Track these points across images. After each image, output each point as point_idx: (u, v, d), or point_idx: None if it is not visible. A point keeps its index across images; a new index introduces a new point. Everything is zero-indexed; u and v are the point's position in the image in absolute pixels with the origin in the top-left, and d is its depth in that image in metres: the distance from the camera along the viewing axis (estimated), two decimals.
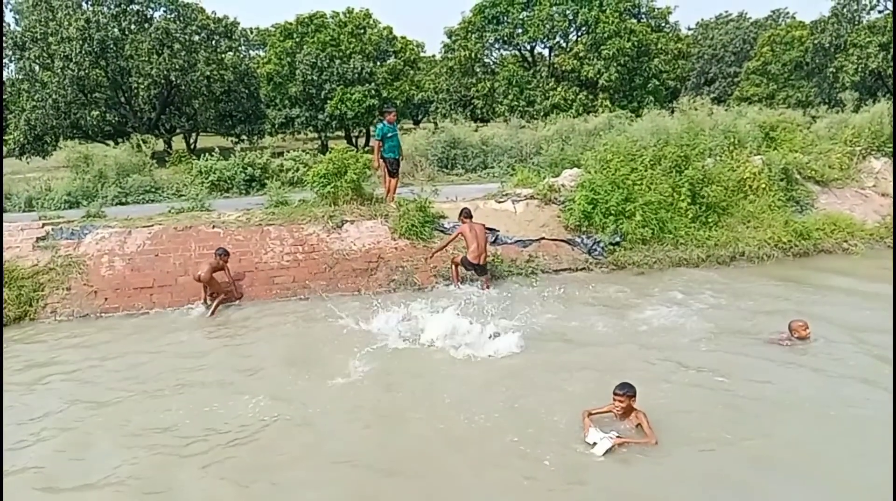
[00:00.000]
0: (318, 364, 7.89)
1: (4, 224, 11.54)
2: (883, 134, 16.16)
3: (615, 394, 5.91)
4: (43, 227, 11.64)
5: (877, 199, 14.73)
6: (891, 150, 16.02)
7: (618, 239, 12.25)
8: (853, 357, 7.68)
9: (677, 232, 12.41)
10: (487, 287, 10.89)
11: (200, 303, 10.49)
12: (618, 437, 5.69)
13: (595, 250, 12.24)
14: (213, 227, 11.86)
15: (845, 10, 37.94)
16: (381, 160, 13.12)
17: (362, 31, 35.16)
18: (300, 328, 9.43)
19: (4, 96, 32.86)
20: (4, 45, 30.48)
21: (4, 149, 33.02)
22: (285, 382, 7.47)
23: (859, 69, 35.31)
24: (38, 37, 29.91)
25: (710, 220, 12.80)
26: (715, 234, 12.54)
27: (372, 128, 37.53)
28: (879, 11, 37.63)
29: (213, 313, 10.29)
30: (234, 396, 7.13)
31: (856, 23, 37.64)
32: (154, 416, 6.76)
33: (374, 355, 8.02)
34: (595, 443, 5.62)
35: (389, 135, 12.92)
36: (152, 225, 11.85)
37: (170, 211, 12.97)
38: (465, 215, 11.12)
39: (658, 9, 35.36)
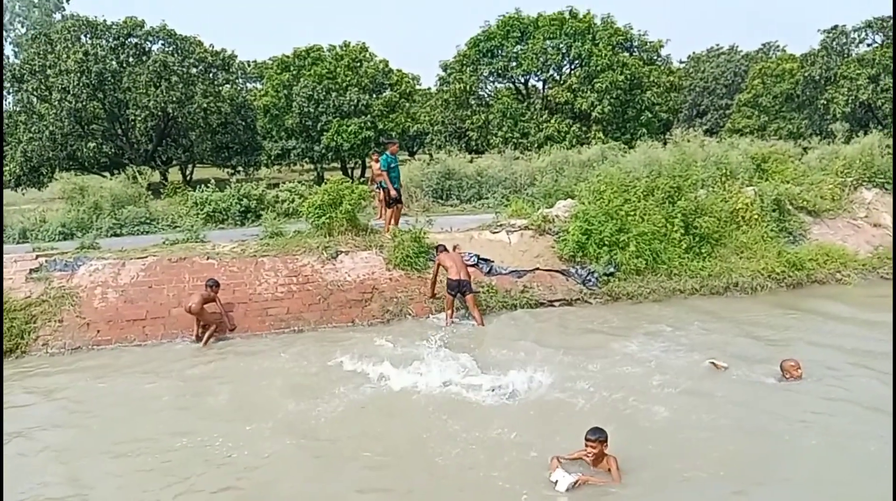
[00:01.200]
0: (301, 399, 7.80)
1: None
2: (873, 165, 16.30)
3: (587, 440, 5.83)
4: (36, 258, 11.62)
5: (869, 229, 14.82)
6: (882, 181, 16.16)
7: (612, 270, 12.28)
8: (842, 389, 7.66)
9: (671, 263, 12.45)
10: (481, 324, 10.87)
11: (191, 338, 10.44)
12: (581, 475, 5.67)
13: (589, 280, 12.25)
14: (208, 258, 11.85)
15: (834, 43, 38.51)
16: (381, 190, 13.61)
17: (359, 64, 35.45)
18: (287, 362, 9.30)
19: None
20: (3, 77, 30.66)
21: None
22: (266, 417, 7.38)
23: (850, 101, 35.72)
24: (37, 69, 30.11)
25: (703, 250, 12.84)
26: (708, 264, 12.58)
27: (367, 159, 37.77)
28: (868, 45, 38.28)
29: (205, 343, 10.26)
30: (214, 431, 7.05)
31: (845, 55, 38.21)
32: (140, 447, 6.73)
33: (360, 391, 7.98)
34: (557, 480, 5.62)
35: (392, 165, 13.14)
36: (146, 256, 11.83)
37: (164, 242, 12.96)
38: (442, 249, 11.60)
39: (650, 42, 35.83)
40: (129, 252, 12.12)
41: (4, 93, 31.92)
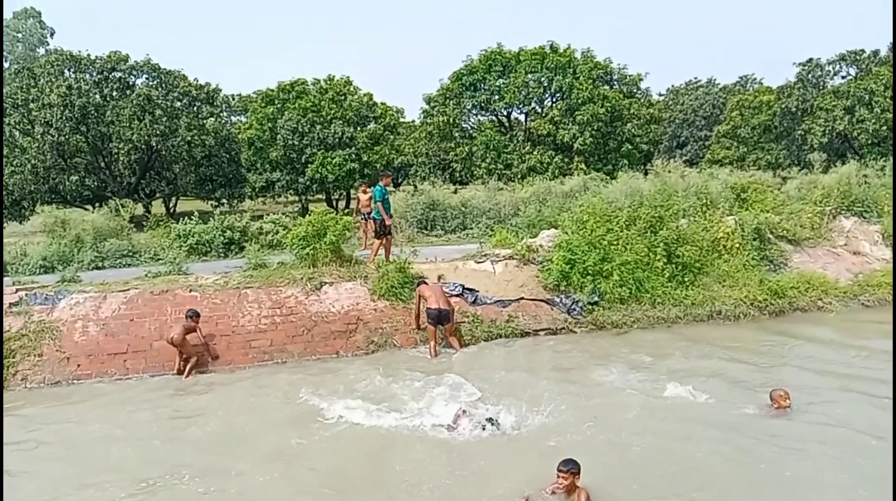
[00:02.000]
0: (277, 435, 7.71)
1: None
2: (851, 194, 16.57)
3: (559, 471, 5.77)
4: (17, 292, 11.48)
5: (848, 257, 14.98)
6: (860, 209, 16.41)
7: (596, 299, 12.31)
8: (831, 416, 7.69)
9: (654, 291, 12.49)
10: (458, 348, 10.96)
11: (173, 372, 10.31)
12: None
13: (574, 309, 12.28)
14: (190, 291, 11.76)
15: (810, 75, 39.50)
16: (366, 220, 14.59)
17: (343, 97, 35.75)
18: (267, 396, 9.14)
19: None
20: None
21: None
22: (242, 453, 7.30)
23: (826, 132, 36.47)
24: (20, 103, 30.11)
25: (686, 279, 12.92)
26: (691, 293, 12.64)
27: (354, 190, 38.02)
28: (842, 77, 39.28)
29: (187, 375, 10.15)
30: (188, 467, 6.96)
31: (820, 88, 39.13)
32: (112, 480, 6.64)
33: (336, 426, 7.87)
34: None
35: (386, 196, 13.53)
36: (128, 289, 11.72)
37: (146, 275, 12.86)
38: (421, 282, 11.73)
39: (630, 75, 36.48)
40: (110, 285, 12.00)
41: None
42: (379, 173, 15.07)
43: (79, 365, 10.40)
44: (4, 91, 30.93)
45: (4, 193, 29.76)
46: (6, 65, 44.64)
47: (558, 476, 5.77)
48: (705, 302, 12.48)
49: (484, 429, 7.44)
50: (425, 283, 11.67)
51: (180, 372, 10.26)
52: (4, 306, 11.05)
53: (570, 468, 5.74)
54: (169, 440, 7.85)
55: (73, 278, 12.77)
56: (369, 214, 16.06)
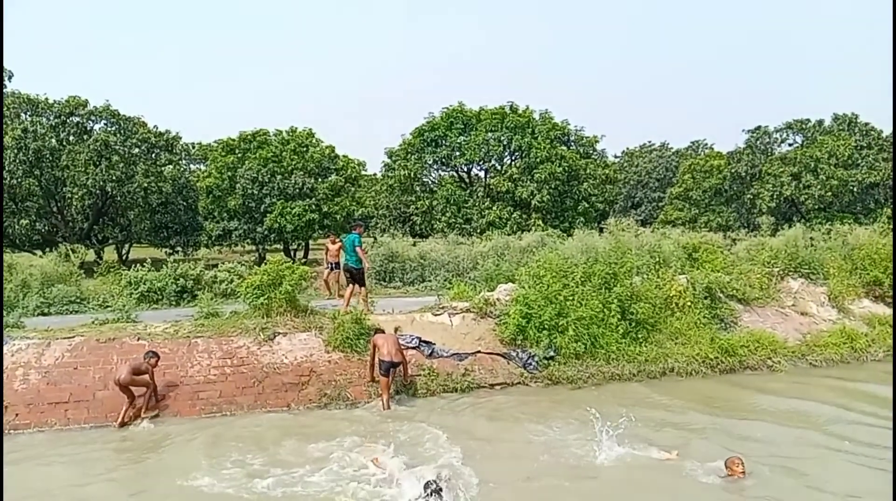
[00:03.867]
0: None
1: None
2: (798, 256, 17.10)
3: None
4: None
5: (796, 317, 15.36)
6: (806, 271, 16.92)
7: (552, 353, 12.34)
8: (781, 480, 7.76)
9: (609, 347, 12.58)
10: (386, 403, 10.72)
11: (115, 424, 9.86)
12: None
13: (530, 364, 12.27)
14: (139, 339, 11.45)
15: (758, 142, 41.20)
16: (333, 271, 15.67)
17: (305, 148, 35.83)
18: (201, 452, 8.68)
19: None
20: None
21: None
22: None
23: (774, 196, 37.84)
24: None
25: (639, 336, 13.07)
26: (645, 350, 12.78)
27: (311, 241, 37.83)
28: (789, 144, 41.07)
29: (135, 416, 9.84)
30: None
31: (768, 154, 40.78)
32: None
33: (269, 490, 7.51)
34: None
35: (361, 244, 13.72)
36: (73, 337, 11.37)
37: (93, 322, 12.49)
38: (376, 332, 11.71)
39: (586, 137, 37.55)
40: (55, 332, 11.62)
41: None
42: (351, 223, 15.25)
43: (17, 414, 9.95)
44: None
45: None
46: None
47: None
48: (658, 359, 12.62)
49: (431, 494, 7.21)
50: (382, 332, 11.58)
51: (123, 424, 9.83)
52: None
53: None
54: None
55: (16, 323, 12.35)
56: (337, 264, 16.15)
